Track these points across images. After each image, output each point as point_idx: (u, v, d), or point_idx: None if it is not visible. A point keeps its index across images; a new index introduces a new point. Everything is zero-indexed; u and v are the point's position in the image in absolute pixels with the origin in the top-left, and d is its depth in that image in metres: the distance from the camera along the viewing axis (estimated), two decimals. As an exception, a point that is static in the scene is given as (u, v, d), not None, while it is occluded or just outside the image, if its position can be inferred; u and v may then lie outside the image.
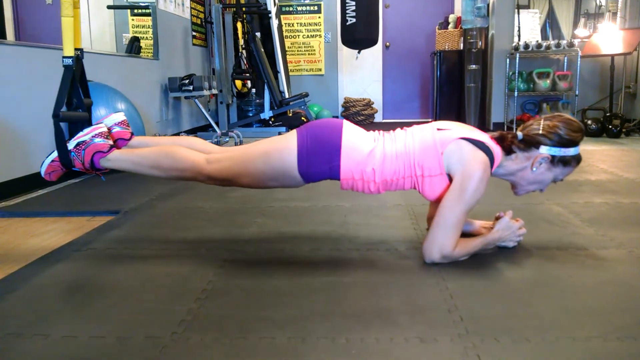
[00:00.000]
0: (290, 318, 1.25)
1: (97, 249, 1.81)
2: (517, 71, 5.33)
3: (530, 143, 1.62)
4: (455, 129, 1.63)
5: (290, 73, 6.93)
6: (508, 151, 1.65)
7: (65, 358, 1.10)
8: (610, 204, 2.32)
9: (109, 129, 1.77)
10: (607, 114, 4.97)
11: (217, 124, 5.49)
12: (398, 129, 1.73)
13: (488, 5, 5.60)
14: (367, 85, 7.31)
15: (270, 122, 5.87)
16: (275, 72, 5.97)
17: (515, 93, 5.37)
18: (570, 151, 1.61)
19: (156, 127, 4.62)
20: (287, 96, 5.99)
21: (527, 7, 5.80)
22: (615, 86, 5.14)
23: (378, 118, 7.30)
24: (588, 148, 4.17)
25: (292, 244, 1.84)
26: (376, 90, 7.32)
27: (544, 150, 1.60)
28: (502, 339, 1.14)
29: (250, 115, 6.10)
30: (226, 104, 5.59)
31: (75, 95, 1.81)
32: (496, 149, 1.62)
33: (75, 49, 1.76)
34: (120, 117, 1.82)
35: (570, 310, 1.28)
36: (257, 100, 6.19)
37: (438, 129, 1.64)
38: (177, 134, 4.91)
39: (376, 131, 1.74)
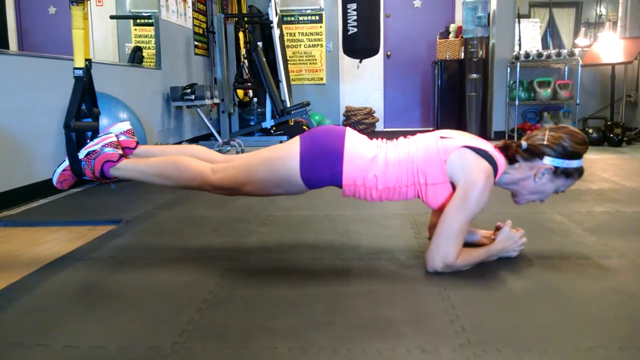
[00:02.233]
0: (291, 328, 1.25)
1: (99, 258, 1.81)
2: (517, 80, 5.34)
3: (534, 153, 1.62)
4: (459, 138, 1.63)
5: (292, 82, 6.95)
6: (511, 160, 1.65)
7: (66, 368, 1.10)
8: (612, 213, 2.32)
9: (116, 137, 1.79)
10: (608, 123, 4.97)
11: (218, 133, 5.50)
12: (401, 137, 1.74)
13: (489, 14, 5.62)
14: (369, 94, 7.32)
15: (272, 131, 5.89)
16: (277, 82, 5.99)
17: (516, 102, 5.38)
18: (573, 163, 1.61)
19: (158, 136, 4.63)
20: (288, 105, 6.00)
21: (528, 16, 5.83)
22: (616, 95, 5.15)
23: (379, 127, 7.32)
24: (589, 157, 4.17)
25: (294, 253, 1.84)
26: (377, 99, 7.33)
27: (548, 161, 1.61)
28: (504, 349, 1.13)
29: (252, 124, 6.12)
30: (228, 113, 5.61)
31: (86, 105, 1.83)
32: (499, 158, 1.63)
33: (85, 60, 1.79)
34: (127, 126, 1.85)
35: (572, 320, 1.27)
36: (259, 110, 6.21)
37: (441, 137, 1.64)
38: (179, 143, 4.92)
39: (379, 139, 1.74)
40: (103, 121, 3.23)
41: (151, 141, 4.32)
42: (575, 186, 2.91)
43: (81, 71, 1.77)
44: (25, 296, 1.49)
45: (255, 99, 6.24)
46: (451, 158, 1.59)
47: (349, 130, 1.71)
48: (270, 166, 1.67)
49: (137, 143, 1.86)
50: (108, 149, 1.72)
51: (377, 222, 2.22)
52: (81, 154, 1.73)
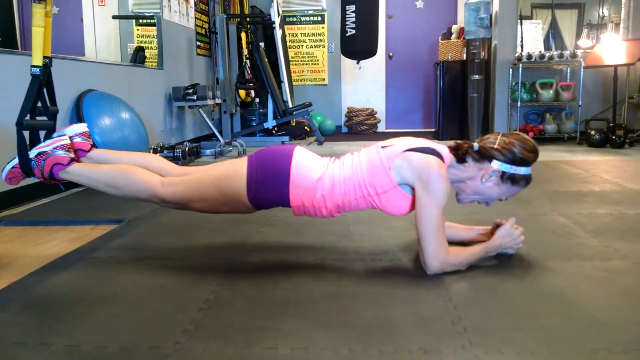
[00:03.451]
0: (293, 328, 1.25)
1: (101, 258, 1.81)
2: (520, 81, 5.34)
3: (484, 155, 1.63)
4: (400, 144, 1.64)
5: (294, 83, 6.95)
6: (461, 159, 1.66)
7: (68, 368, 1.10)
8: (615, 214, 2.31)
9: (70, 139, 1.78)
10: (611, 125, 4.96)
11: (220, 133, 5.50)
12: (348, 154, 1.75)
13: (491, 16, 5.62)
14: (371, 95, 7.32)
15: (274, 132, 5.89)
16: (279, 82, 6.00)
17: (518, 103, 5.37)
18: (520, 170, 1.62)
19: (160, 136, 4.64)
20: (290, 106, 6.01)
21: (530, 17, 5.82)
22: (618, 97, 5.14)
23: (381, 128, 7.31)
24: (592, 158, 4.17)
25: (296, 254, 1.84)
26: (379, 100, 7.33)
27: (496, 165, 1.62)
28: (507, 350, 1.13)
29: (254, 124, 6.13)
30: (230, 113, 5.61)
31: (42, 103, 1.82)
32: (444, 151, 1.64)
33: (44, 57, 1.77)
34: (82, 127, 1.84)
35: (575, 322, 1.27)
36: (261, 110, 6.22)
37: (382, 147, 1.66)
38: (181, 143, 4.92)
39: (327, 157, 1.75)
40: (105, 121, 3.23)
41: (153, 141, 4.33)
42: (577, 187, 2.91)
43: (38, 69, 1.75)
44: (27, 296, 1.49)
45: (257, 100, 6.25)
46: (395, 164, 1.60)
47: (297, 150, 1.70)
48: (217, 185, 1.66)
49: (93, 146, 1.85)
50: (59, 152, 1.71)
51: (378, 223, 2.22)
52: (32, 154, 1.72)
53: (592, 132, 4.98)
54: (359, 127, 7.00)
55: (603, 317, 1.29)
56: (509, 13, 5.61)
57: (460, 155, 1.66)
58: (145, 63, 4.67)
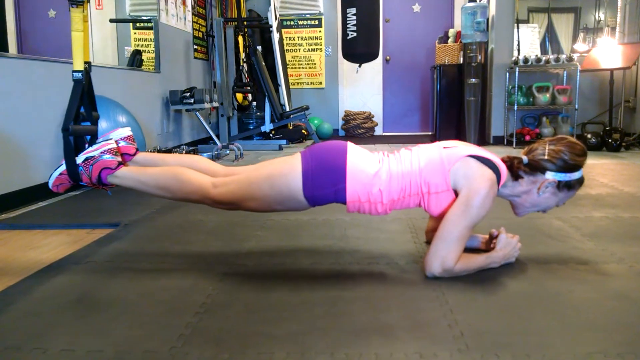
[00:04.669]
0: (289, 333, 1.25)
1: (97, 262, 1.81)
2: (516, 85, 5.35)
3: (536, 168, 1.63)
4: (462, 147, 1.64)
5: (291, 86, 6.96)
6: (515, 176, 1.66)
7: (63, 372, 1.09)
8: (611, 218, 2.32)
9: (115, 143, 1.77)
10: (607, 128, 4.98)
11: (217, 136, 5.50)
12: (403, 149, 1.73)
13: (487, 19, 5.63)
14: (368, 99, 7.33)
15: (271, 135, 5.89)
16: (276, 86, 6.00)
17: (515, 107, 5.38)
18: (574, 175, 1.62)
19: (157, 139, 4.63)
20: (287, 109, 6.02)
21: (527, 21, 5.84)
22: (614, 100, 5.17)
23: (378, 131, 7.32)
24: (588, 162, 4.15)
25: (292, 257, 1.84)
26: (376, 103, 7.34)
27: (550, 176, 1.61)
28: (503, 354, 1.13)
29: (251, 128, 6.13)
30: (227, 116, 5.61)
31: (84, 109, 1.82)
32: (503, 168, 1.63)
33: (84, 62, 1.78)
34: (127, 132, 1.83)
35: (571, 325, 1.27)
36: (258, 113, 6.22)
37: (444, 147, 1.65)
38: (178, 147, 4.92)
39: (380, 152, 1.73)
40: (102, 124, 3.23)
41: (150, 145, 4.32)
42: (573, 191, 2.92)
43: (80, 74, 1.76)
44: (23, 300, 1.48)
45: (254, 103, 6.25)
46: (455, 167, 1.59)
47: (350, 145, 1.69)
48: (272, 183, 1.65)
49: (137, 150, 1.84)
50: (107, 156, 1.70)
51: (375, 226, 2.22)
52: (79, 159, 1.72)
53: (589, 136, 5.00)
54: (356, 131, 7.01)
55: (599, 320, 1.30)
56: (505, 17, 5.63)
57: (514, 173, 1.66)
58: (143, 66, 4.67)
